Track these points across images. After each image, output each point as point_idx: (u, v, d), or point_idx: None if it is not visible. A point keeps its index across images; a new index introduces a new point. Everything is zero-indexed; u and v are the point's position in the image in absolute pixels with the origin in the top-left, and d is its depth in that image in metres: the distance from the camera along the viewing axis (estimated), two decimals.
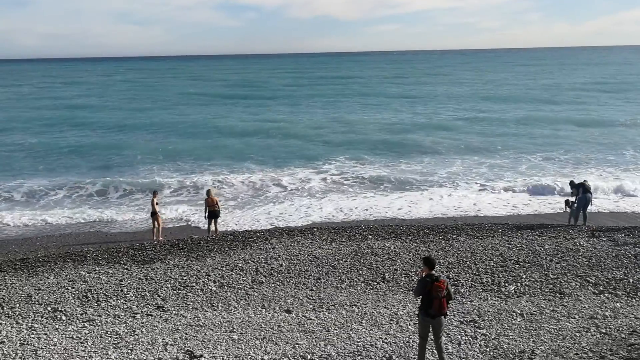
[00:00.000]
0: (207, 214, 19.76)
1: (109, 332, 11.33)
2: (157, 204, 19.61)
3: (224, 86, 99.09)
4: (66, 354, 10.30)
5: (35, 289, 14.11)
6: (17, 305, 13.07)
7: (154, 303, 13.04)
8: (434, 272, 9.03)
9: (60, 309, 12.74)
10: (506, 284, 13.75)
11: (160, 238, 19.46)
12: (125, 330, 11.41)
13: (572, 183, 20.45)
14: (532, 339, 10.60)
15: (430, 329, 9.22)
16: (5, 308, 12.89)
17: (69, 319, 12.17)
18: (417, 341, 10.01)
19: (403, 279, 14.32)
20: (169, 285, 14.15)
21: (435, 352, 9.60)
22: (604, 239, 17.34)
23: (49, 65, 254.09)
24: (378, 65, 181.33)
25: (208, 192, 20.18)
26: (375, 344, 10.52)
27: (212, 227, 19.83)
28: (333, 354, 10.12)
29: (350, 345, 10.52)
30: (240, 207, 24.24)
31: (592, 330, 10.91)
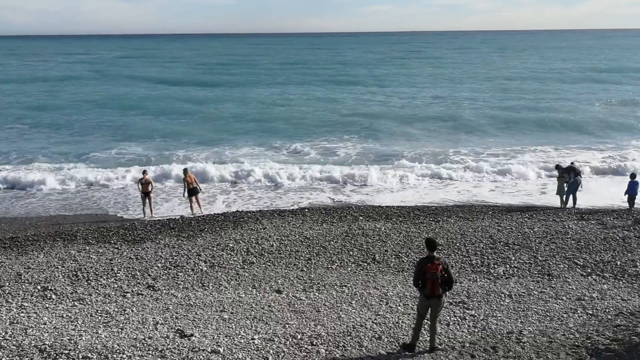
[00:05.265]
0: (186, 193, 19.81)
1: (99, 311, 11.33)
2: (147, 182, 19.67)
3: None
4: (56, 333, 10.30)
5: (25, 268, 14.06)
6: (7, 283, 13.02)
7: (144, 282, 13.04)
8: (435, 253, 9.09)
9: (50, 287, 12.72)
10: (495, 266, 13.87)
11: (153, 215, 19.63)
12: (116, 309, 11.42)
13: (558, 167, 20.31)
14: (520, 320, 10.73)
15: (429, 309, 9.32)
16: None
17: (59, 298, 12.15)
18: (407, 321, 10.12)
19: (393, 260, 14.41)
20: (159, 265, 14.15)
21: (426, 332, 9.69)
22: (592, 222, 17.49)
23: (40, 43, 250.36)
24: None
25: (185, 170, 20.26)
26: (365, 324, 10.60)
27: (195, 205, 19.91)
28: (323, 333, 10.20)
29: (340, 325, 10.59)
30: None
31: (579, 312, 11.06)
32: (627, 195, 19.41)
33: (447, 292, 9.43)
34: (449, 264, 9.31)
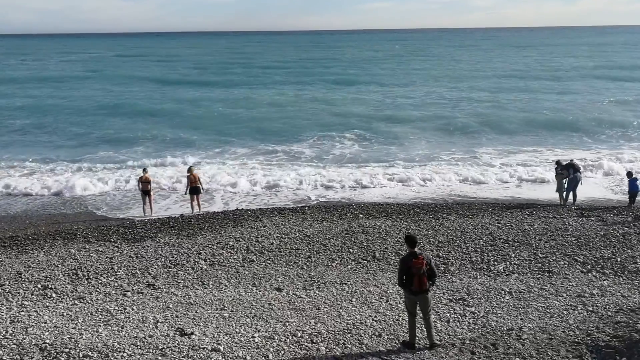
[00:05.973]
0: (188, 190, 19.84)
1: (99, 310, 11.34)
2: (147, 181, 19.67)
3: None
4: (57, 331, 10.30)
5: (25, 267, 14.06)
6: (7, 282, 13.02)
7: (144, 281, 13.04)
8: (416, 249, 9.13)
9: (50, 286, 12.72)
10: (495, 263, 13.87)
11: (153, 213, 19.66)
12: (116, 308, 11.42)
13: (558, 163, 20.26)
14: (520, 317, 10.73)
15: (418, 306, 9.33)
16: None
17: (60, 297, 12.15)
18: (407, 319, 10.10)
19: (393, 257, 14.40)
20: (159, 263, 14.15)
21: (424, 329, 9.70)
22: (592, 219, 17.48)
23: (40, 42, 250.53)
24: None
25: (190, 168, 20.29)
26: (365, 321, 10.61)
27: (194, 204, 19.94)
28: (323, 331, 10.20)
29: (340, 323, 10.60)
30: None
31: (579, 308, 11.06)
32: (628, 194, 19.44)
33: (432, 288, 9.48)
34: (431, 259, 9.40)
